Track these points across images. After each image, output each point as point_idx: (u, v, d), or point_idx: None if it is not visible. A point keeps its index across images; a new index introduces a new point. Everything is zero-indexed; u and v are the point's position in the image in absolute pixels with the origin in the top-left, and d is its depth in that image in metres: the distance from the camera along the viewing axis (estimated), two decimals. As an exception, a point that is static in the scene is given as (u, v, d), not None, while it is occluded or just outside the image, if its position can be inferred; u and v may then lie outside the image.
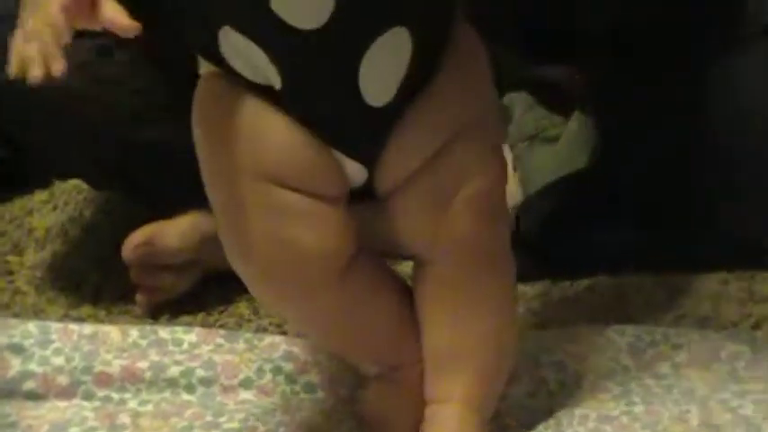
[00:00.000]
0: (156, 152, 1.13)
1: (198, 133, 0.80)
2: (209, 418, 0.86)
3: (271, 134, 0.78)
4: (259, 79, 0.76)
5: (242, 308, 1.08)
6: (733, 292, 1.04)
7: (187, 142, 0.93)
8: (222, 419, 0.86)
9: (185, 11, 0.80)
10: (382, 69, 0.76)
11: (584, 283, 1.04)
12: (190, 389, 0.92)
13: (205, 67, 0.80)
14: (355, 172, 0.79)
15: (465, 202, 0.79)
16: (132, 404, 0.91)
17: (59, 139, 1.14)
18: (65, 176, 1.31)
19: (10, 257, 1.22)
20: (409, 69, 0.76)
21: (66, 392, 0.91)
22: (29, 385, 0.90)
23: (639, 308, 1.01)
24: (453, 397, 0.84)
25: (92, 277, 1.16)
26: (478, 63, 0.83)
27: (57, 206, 1.31)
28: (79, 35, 1.04)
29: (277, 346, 0.96)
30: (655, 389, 0.85)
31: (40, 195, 1.32)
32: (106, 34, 1.04)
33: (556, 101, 1.10)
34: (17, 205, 1.31)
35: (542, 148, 1.12)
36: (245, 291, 1.02)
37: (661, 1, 1.13)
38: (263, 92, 0.77)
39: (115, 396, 0.92)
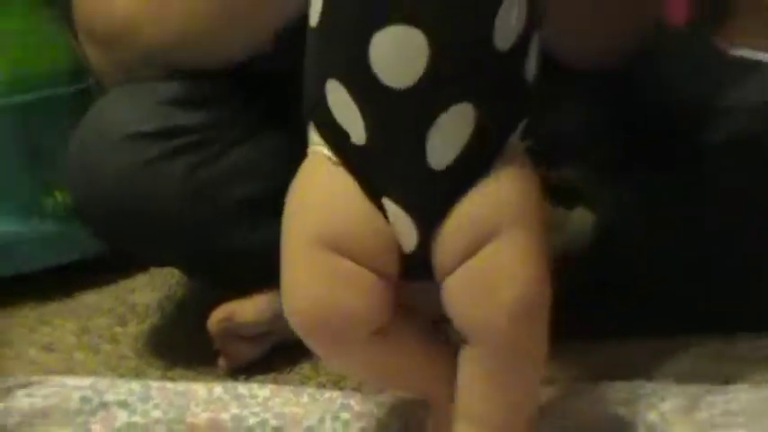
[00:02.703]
0: (239, 255, 1.18)
1: (287, 199, 0.84)
2: (281, 461, 0.97)
3: (342, 204, 0.81)
4: (352, 134, 0.80)
5: (306, 369, 1.14)
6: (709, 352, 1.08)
7: (265, 244, 1.00)
8: (291, 463, 0.95)
9: (306, 68, 0.85)
10: (447, 135, 0.79)
11: (593, 346, 1.08)
12: (265, 436, 1.05)
13: (313, 143, 0.84)
14: (409, 233, 0.81)
15: (501, 304, 0.79)
16: (217, 450, 1.03)
17: (154, 242, 1.19)
18: (161, 265, 1.41)
19: (116, 328, 1.31)
20: (469, 141, 0.79)
21: (163, 440, 1.05)
22: (133, 435, 1.04)
23: (641, 367, 1.05)
24: None
25: (183, 344, 1.23)
26: (529, 168, 0.83)
27: (155, 287, 1.40)
28: (174, 151, 1.13)
29: (335, 399, 1.01)
30: (645, 435, 0.96)
31: (142, 278, 1.42)
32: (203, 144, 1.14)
33: (560, 195, 1.14)
34: (121, 286, 1.41)
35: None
36: (308, 355, 1.08)
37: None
38: (349, 159, 0.80)
39: (203, 443, 1.04)
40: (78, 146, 1.17)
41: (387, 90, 0.77)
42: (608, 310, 1.15)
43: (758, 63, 1.28)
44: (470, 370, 0.83)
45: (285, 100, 1.00)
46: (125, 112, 1.17)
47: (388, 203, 0.79)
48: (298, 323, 0.83)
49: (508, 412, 0.85)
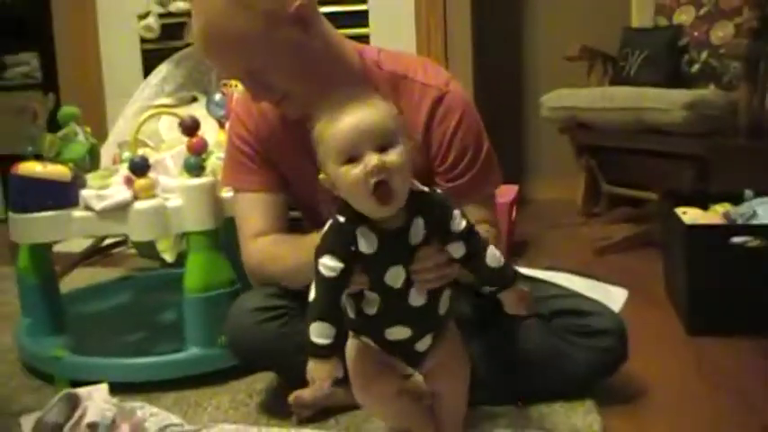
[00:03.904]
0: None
1: (348, 356, 1.09)
2: None
3: (378, 354, 1.08)
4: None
5: (343, 420, 1.33)
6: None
7: None
8: None
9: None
10: (424, 343, 1.07)
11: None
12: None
13: (356, 339, 1.09)
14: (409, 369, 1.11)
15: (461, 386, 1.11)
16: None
17: (264, 361, 1.37)
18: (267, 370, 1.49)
19: (247, 399, 1.46)
20: (432, 342, 1.08)
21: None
22: None
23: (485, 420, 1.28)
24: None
25: (278, 408, 1.40)
26: (456, 331, 1.12)
27: (264, 380, 1.53)
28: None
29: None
30: None
31: (258, 376, 1.54)
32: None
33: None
34: (248, 379, 1.54)
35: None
36: (339, 414, 1.31)
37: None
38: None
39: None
40: (230, 315, 1.35)
41: (394, 342, 1.06)
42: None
43: (531, 276, 1.51)
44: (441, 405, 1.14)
45: None
46: (250, 300, 1.35)
47: (397, 361, 1.09)
48: (360, 390, 1.11)
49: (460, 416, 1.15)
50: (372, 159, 0.96)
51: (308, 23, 1.21)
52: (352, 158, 0.98)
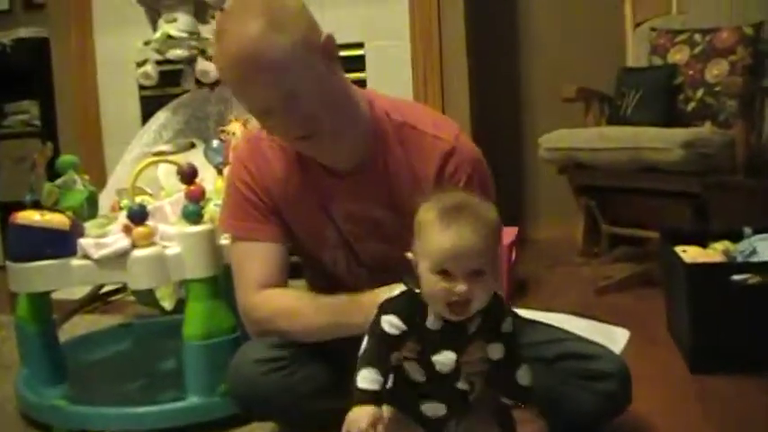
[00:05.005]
0: (306, 416, 1.33)
1: None
2: None
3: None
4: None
5: None
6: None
7: (317, 412, 1.28)
8: None
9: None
10: (464, 384, 1.09)
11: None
12: None
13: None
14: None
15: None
16: None
17: (263, 410, 1.35)
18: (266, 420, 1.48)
19: None
20: (456, 424, 1.10)
21: None
22: None
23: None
24: None
25: None
26: None
27: (263, 430, 1.52)
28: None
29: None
30: None
31: (257, 425, 1.54)
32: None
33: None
34: (248, 427, 1.54)
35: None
36: None
37: None
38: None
39: None
40: (232, 365, 1.33)
41: (426, 419, 1.10)
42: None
43: (534, 320, 1.48)
44: None
45: (328, 352, 1.30)
46: (252, 351, 1.33)
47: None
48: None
49: None
50: (460, 287, 1.03)
51: (333, 59, 1.25)
52: (444, 272, 1.04)
